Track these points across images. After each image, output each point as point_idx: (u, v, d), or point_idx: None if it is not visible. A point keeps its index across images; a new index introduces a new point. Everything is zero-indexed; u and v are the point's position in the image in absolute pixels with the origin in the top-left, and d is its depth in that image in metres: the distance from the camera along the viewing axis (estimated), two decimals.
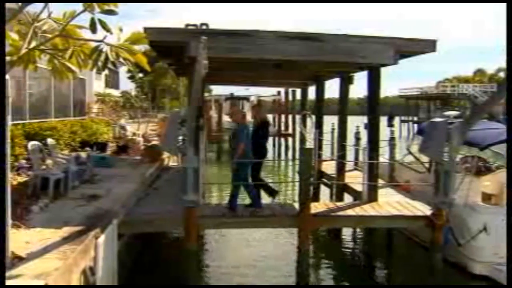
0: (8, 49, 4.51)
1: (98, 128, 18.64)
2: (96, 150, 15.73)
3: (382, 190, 11.61)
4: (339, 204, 11.09)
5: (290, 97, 36.24)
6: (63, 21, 4.37)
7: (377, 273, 10.87)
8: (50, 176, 9.20)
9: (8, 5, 4.67)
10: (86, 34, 4.38)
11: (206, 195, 11.96)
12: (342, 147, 13.59)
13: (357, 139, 15.74)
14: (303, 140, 16.73)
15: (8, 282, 4.87)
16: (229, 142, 9.98)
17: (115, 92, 45.86)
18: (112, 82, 48.65)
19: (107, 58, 4.16)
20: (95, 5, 4.06)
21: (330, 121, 17.81)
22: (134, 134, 21.38)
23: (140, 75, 58.08)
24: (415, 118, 66.42)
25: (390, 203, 10.59)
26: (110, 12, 4.08)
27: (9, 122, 5.29)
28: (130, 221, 8.65)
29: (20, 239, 6.22)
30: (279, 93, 39.90)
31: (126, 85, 60.11)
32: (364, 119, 12.01)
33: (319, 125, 15.67)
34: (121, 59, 4.22)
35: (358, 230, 13.27)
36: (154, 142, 18.58)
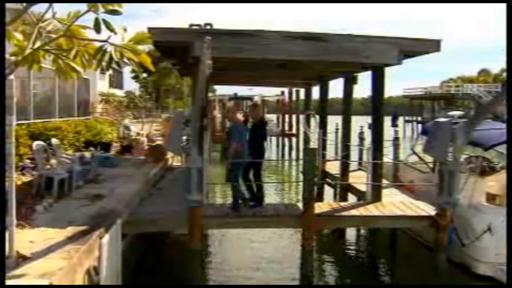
0: (13, 49, 4.52)
1: (102, 128, 18.66)
2: (100, 150, 15.76)
3: (386, 190, 11.59)
4: (343, 204, 11.07)
5: (294, 97, 36.20)
6: (67, 21, 4.37)
7: (381, 273, 10.86)
8: (55, 176, 9.22)
9: (13, 5, 4.68)
10: (90, 34, 4.39)
11: (210, 195, 11.98)
12: (346, 147, 13.58)
13: (361, 139, 15.73)
14: (307, 140, 16.73)
15: (13, 282, 4.88)
16: (224, 141, 9.98)
17: (119, 92, 45.89)
18: (116, 82, 48.70)
19: (111, 58, 4.16)
20: (99, 5, 4.06)
21: (334, 121, 17.79)
22: (138, 134, 21.41)
23: (144, 75, 58.10)
24: (419, 118, 66.27)
25: (394, 203, 10.57)
26: (114, 12, 4.09)
27: (14, 122, 5.31)
28: (134, 221, 8.66)
29: (24, 239, 6.23)
30: (283, 93, 39.87)
31: (130, 85, 60.20)
32: (368, 119, 12.00)
33: (323, 125, 15.66)
34: (125, 59, 4.23)
35: (362, 230, 13.26)
36: (158, 142, 18.59)
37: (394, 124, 41.22)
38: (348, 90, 13.65)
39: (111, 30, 4.11)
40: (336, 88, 17.45)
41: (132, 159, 15.12)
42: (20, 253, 5.53)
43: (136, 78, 61.51)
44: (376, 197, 10.63)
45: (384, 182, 11.65)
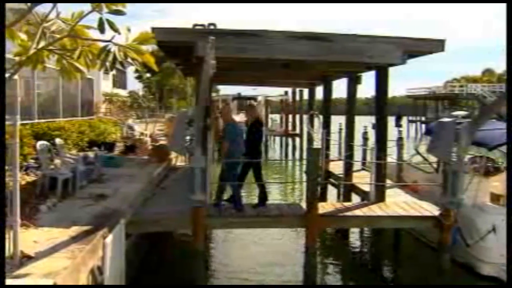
0: (17, 49, 4.53)
1: (106, 128, 18.69)
2: (104, 150, 15.78)
3: (390, 190, 11.58)
4: (346, 204, 11.06)
5: (298, 97, 36.18)
6: (71, 22, 4.38)
7: (385, 274, 10.84)
8: (58, 175, 9.24)
9: (17, 5, 4.69)
10: (94, 34, 4.39)
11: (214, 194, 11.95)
12: (349, 147, 13.56)
13: (365, 139, 15.70)
14: (310, 140, 16.72)
15: (17, 281, 4.90)
16: (219, 141, 9.98)
17: (123, 92, 45.97)
18: (120, 82, 48.79)
19: (115, 58, 4.16)
20: (103, 5, 4.07)
21: (337, 121, 17.78)
22: (141, 134, 21.44)
23: (148, 75, 58.20)
24: (423, 118, 66.14)
25: (398, 203, 10.55)
26: (118, 12, 4.09)
27: (18, 122, 5.32)
28: (137, 220, 8.67)
29: (28, 238, 6.25)
30: (286, 93, 39.88)
31: (134, 85, 60.32)
32: (371, 119, 11.98)
33: (326, 125, 15.64)
34: (129, 59, 4.23)
35: (365, 230, 13.24)
36: (161, 142, 18.61)
37: (398, 124, 41.13)
38: (351, 90, 13.63)
39: (115, 30, 4.12)
40: (339, 88, 17.44)
41: (135, 159, 15.14)
42: (24, 253, 5.54)
43: (139, 78, 61.64)
44: (380, 197, 10.62)
45: (388, 182, 11.63)
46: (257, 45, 9.62)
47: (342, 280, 10.74)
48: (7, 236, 5.39)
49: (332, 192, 15.39)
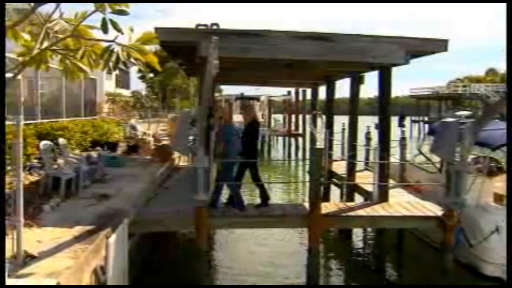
0: (20, 49, 4.54)
1: (109, 128, 18.71)
2: (107, 150, 15.80)
3: (393, 190, 11.56)
4: (349, 204, 11.05)
5: (301, 97, 36.18)
6: (74, 22, 4.39)
7: (388, 274, 10.81)
8: (62, 175, 9.26)
9: (20, 5, 4.70)
10: (97, 34, 4.40)
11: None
12: (352, 147, 13.54)
13: (368, 139, 15.69)
14: (313, 140, 16.72)
15: (20, 281, 4.91)
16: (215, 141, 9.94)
17: (126, 92, 46.04)
18: (123, 82, 48.86)
19: (118, 58, 4.17)
20: (107, 5, 4.07)
21: (340, 121, 17.76)
22: (144, 134, 21.45)
23: (151, 75, 58.22)
24: (426, 118, 66.05)
25: (401, 203, 10.53)
26: (122, 12, 4.09)
27: (22, 122, 5.33)
28: (140, 220, 8.68)
29: (32, 238, 6.27)
30: (289, 93, 39.89)
31: (137, 85, 60.37)
32: (374, 119, 11.96)
33: (329, 125, 15.63)
34: (132, 59, 4.23)
35: (368, 230, 13.23)
36: (164, 142, 18.63)
37: (401, 124, 41.09)
38: (354, 90, 13.61)
39: (118, 30, 4.12)
40: (342, 88, 17.42)
41: (138, 159, 15.16)
42: (27, 252, 5.56)
43: (142, 78, 61.66)
44: (383, 197, 10.60)
45: (391, 182, 11.62)
46: (260, 45, 9.61)
47: (345, 280, 10.73)
48: (10, 236, 5.41)
49: (335, 192, 15.38)
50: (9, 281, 4.86)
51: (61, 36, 4.53)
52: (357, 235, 13.25)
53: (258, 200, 10.24)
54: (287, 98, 41.01)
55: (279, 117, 47.00)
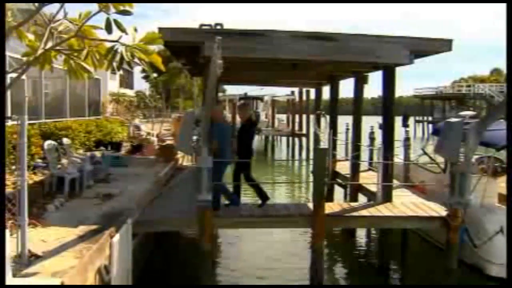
0: (25, 49, 4.55)
1: (112, 128, 18.75)
2: (111, 150, 15.84)
3: (397, 190, 11.54)
4: (353, 204, 11.04)
5: (304, 97, 36.16)
6: (78, 22, 4.40)
7: (392, 274, 10.80)
8: (66, 175, 9.29)
9: (25, 5, 4.72)
10: (102, 34, 4.41)
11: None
12: (356, 147, 13.52)
13: (372, 139, 15.66)
14: (317, 140, 16.69)
15: (25, 280, 4.92)
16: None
17: (130, 92, 46.09)
18: (127, 82, 48.90)
19: (122, 58, 4.17)
20: (111, 5, 4.08)
21: (344, 121, 17.74)
22: (148, 133, 21.49)
23: (155, 75, 58.31)
24: (430, 118, 65.93)
25: (405, 203, 10.51)
26: (126, 13, 4.10)
27: (26, 121, 5.34)
28: (144, 220, 8.69)
29: (36, 237, 6.29)
30: (293, 93, 39.90)
31: (140, 85, 60.47)
32: (378, 119, 11.94)
33: (333, 125, 15.61)
34: (136, 59, 4.24)
35: (372, 230, 13.21)
36: (168, 142, 18.65)
37: (405, 124, 41.05)
38: (358, 90, 13.60)
39: (122, 30, 4.13)
40: (346, 88, 17.40)
41: (142, 159, 15.17)
42: (32, 252, 5.57)
43: (146, 78, 61.78)
44: (387, 197, 10.59)
45: (395, 182, 11.60)
46: (264, 45, 9.61)
47: (349, 280, 10.72)
48: (15, 235, 5.42)
49: (339, 192, 15.37)
50: (14, 281, 4.88)
51: (65, 36, 4.54)
52: (361, 235, 13.23)
53: (260, 200, 10.21)
54: (291, 98, 41.02)
55: (283, 117, 47.02)
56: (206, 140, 8.63)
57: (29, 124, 10.18)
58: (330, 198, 13.58)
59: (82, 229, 6.81)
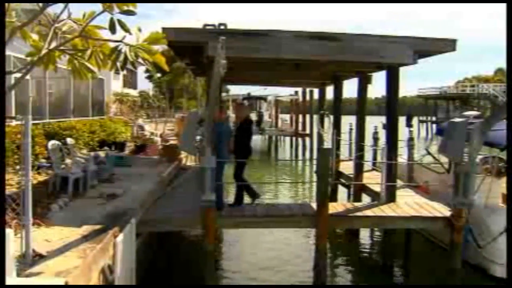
0: (29, 49, 4.57)
1: (116, 128, 18.79)
2: (115, 150, 15.87)
3: (401, 190, 11.52)
4: (357, 204, 11.02)
5: (308, 97, 36.13)
6: (82, 22, 4.40)
7: (395, 274, 10.78)
8: (70, 175, 9.31)
9: (29, 5, 4.72)
10: (105, 34, 4.41)
11: (225, 194, 11.97)
12: (360, 147, 13.51)
13: (375, 139, 15.64)
14: (320, 140, 16.68)
15: (29, 280, 4.93)
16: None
17: (133, 92, 46.15)
18: (130, 82, 48.96)
19: (126, 58, 4.18)
20: (114, 5, 4.08)
21: (348, 121, 17.72)
22: (152, 133, 21.52)
23: (158, 75, 58.33)
24: (434, 118, 65.79)
25: (409, 203, 10.49)
26: (129, 13, 4.10)
27: (30, 121, 5.36)
28: (148, 220, 8.71)
29: (40, 237, 6.30)
30: (296, 93, 39.87)
31: (144, 85, 60.53)
32: (381, 119, 11.92)
33: (337, 125, 15.60)
34: (140, 59, 4.24)
35: (376, 230, 13.19)
36: (172, 142, 18.67)
37: (409, 124, 40.98)
38: (362, 90, 13.57)
39: (126, 30, 4.13)
40: (349, 88, 17.37)
41: (146, 159, 15.20)
42: (36, 251, 5.58)
43: (150, 78, 61.82)
44: (391, 197, 10.57)
45: (399, 182, 11.57)
46: (268, 45, 9.61)
47: (352, 280, 10.70)
48: (19, 235, 5.44)
49: (342, 192, 15.35)
50: (18, 280, 4.89)
51: (69, 36, 4.55)
52: (365, 235, 13.21)
53: (265, 200, 10.20)
54: (294, 98, 41.00)
55: (286, 117, 46.98)
56: (209, 140, 8.64)
57: (33, 124, 10.21)
58: (333, 198, 13.57)
59: (86, 229, 6.82)
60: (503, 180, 10.40)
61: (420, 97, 77.01)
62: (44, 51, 4.36)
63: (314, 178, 9.99)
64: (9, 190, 7.54)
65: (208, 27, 9.90)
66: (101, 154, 13.24)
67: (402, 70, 10.59)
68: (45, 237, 6.39)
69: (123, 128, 19.89)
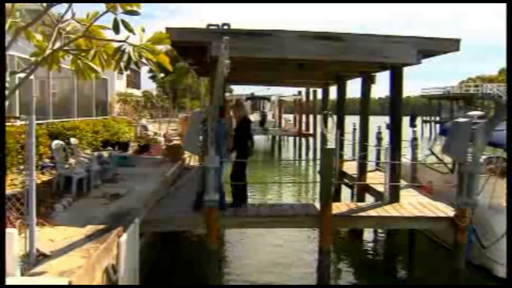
0: (33, 50, 4.58)
1: (120, 128, 18.81)
2: (118, 150, 15.89)
3: (404, 190, 11.50)
4: (360, 204, 11.01)
5: (311, 97, 36.10)
6: (86, 22, 4.41)
7: (399, 274, 10.77)
8: (73, 175, 9.32)
9: (33, 6, 4.74)
10: (109, 34, 4.42)
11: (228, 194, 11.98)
12: (363, 147, 13.49)
13: (379, 139, 15.62)
14: (324, 140, 16.67)
15: (33, 279, 4.94)
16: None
17: (137, 92, 46.19)
18: (134, 82, 49.03)
19: (129, 58, 4.19)
20: (118, 5, 4.09)
21: (351, 121, 17.69)
22: (155, 133, 21.54)
23: (162, 75, 58.41)
24: (437, 118, 65.65)
25: (412, 204, 10.47)
26: (133, 13, 4.11)
27: (34, 121, 5.37)
28: (151, 220, 8.71)
29: (44, 237, 6.31)
30: (300, 93, 39.84)
31: (148, 85, 60.60)
32: (385, 119, 11.91)
33: (340, 125, 15.58)
34: (143, 59, 4.25)
35: (379, 231, 13.17)
36: (175, 142, 18.68)
37: (412, 124, 40.92)
38: (366, 90, 13.56)
39: (130, 30, 4.14)
40: (353, 88, 17.35)
41: (149, 159, 15.21)
42: (40, 251, 5.59)
43: (153, 78, 61.90)
44: (394, 197, 10.55)
45: (402, 182, 11.54)
46: (271, 45, 9.61)
47: (356, 280, 10.68)
48: (23, 234, 5.45)
49: (346, 192, 15.33)
50: (21, 280, 4.90)
51: (73, 36, 4.56)
52: (368, 235, 13.20)
53: (269, 201, 10.19)
54: (298, 98, 40.97)
55: (290, 117, 46.95)
56: (212, 139, 8.63)
57: (37, 124, 10.22)
58: (337, 198, 13.55)
59: (89, 229, 6.83)
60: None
61: (423, 97, 76.88)
62: (48, 51, 4.37)
63: (318, 178, 9.97)
64: (13, 190, 7.57)
65: (211, 27, 9.91)
66: (105, 154, 13.25)
67: (406, 70, 10.59)
68: (49, 237, 6.40)
69: (126, 128, 19.91)
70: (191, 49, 10.74)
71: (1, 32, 4.06)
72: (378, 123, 16.83)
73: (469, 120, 9.62)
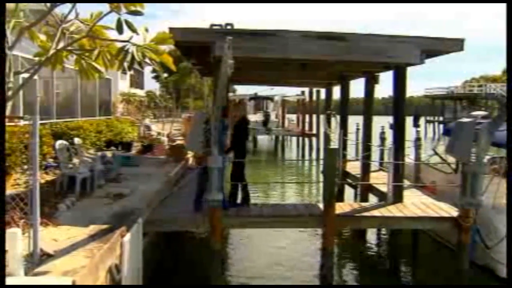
0: (36, 50, 4.59)
1: (123, 128, 18.82)
2: (122, 150, 15.90)
3: (408, 191, 11.47)
4: (363, 204, 10.99)
5: (315, 97, 36.07)
6: (90, 22, 4.42)
7: (402, 274, 10.75)
8: (77, 175, 9.33)
9: (36, 6, 4.75)
10: (113, 35, 4.43)
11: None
12: (367, 148, 13.47)
13: (382, 139, 15.60)
14: (327, 140, 16.66)
15: (36, 279, 4.96)
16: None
17: (140, 92, 46.20)
18: (137, 82, 49.05)
19: (133, 58, 4.19)
20: (122, 5, 4.09)
21: (354, 121, 17.67)
22: (159, 133, 21.55)
23: (165, 75, 58.42)
24: (441, 118, 65.53)
25: (416, 204, 10.46)
26: (137, 13, 4.12)
27: (38, 121, 5.38)
28: (155, 220, 8.72)
29: (48, 237, 6.33)
30: (303, 93, 39.82)
31: (151, 85, 60.64)
32: (388, 119, 11.88)
33: (343, 125, 15.57)
34: (147, 59, 4.25)
35: (383, 230, 13.16)
36: (178, 142, 18.69)
37: (416, 124, 40.79)
38: (369, 90, 13.54)
39: (133, 30, 4.14)
40: (356, 88, 17.34)
41: (153, 159, 15.22)
42: (44, 251, 5.60)
43: (156, 78, 61.92)
44: (398, 198, 10.53)
45: (406, 182, 11.52)
46: (275, 45, 9.60)
47: (359, 280, 10.67)
48: (27, 234, 5.46)
49: (349, 192, 15.31)
50: (25, 279, 4.91)
51: (76, 36, 4.57)
52: (371, 235, 13.18)
53: (272, 201, 10.19)
54: (301, 98, 40.95)
55: (293, 117, 46.92)
56: (215, 139, 8.63)
57: (41, 124, 10.25)
58: (340, 198, 13.55)
59: (93, 229, 6.84)
60: None
61: (427, 97, 76.68)
62: (51, 51, 4.38)
63: (321, 178, 9.96)
64: (17, 190, 7.59)
65: (215, 27, 9.91)
66: (108, 154, 13.27)
67: (409, 70, 10.56)
68: (52, 237, 6.42)
69: (130, 128, 19.91)
70: (195, 49, 10.75)
71: (1, 32, 4.07)
72: (382, 123, 16.81)
73: (473, 120, 9.59)
